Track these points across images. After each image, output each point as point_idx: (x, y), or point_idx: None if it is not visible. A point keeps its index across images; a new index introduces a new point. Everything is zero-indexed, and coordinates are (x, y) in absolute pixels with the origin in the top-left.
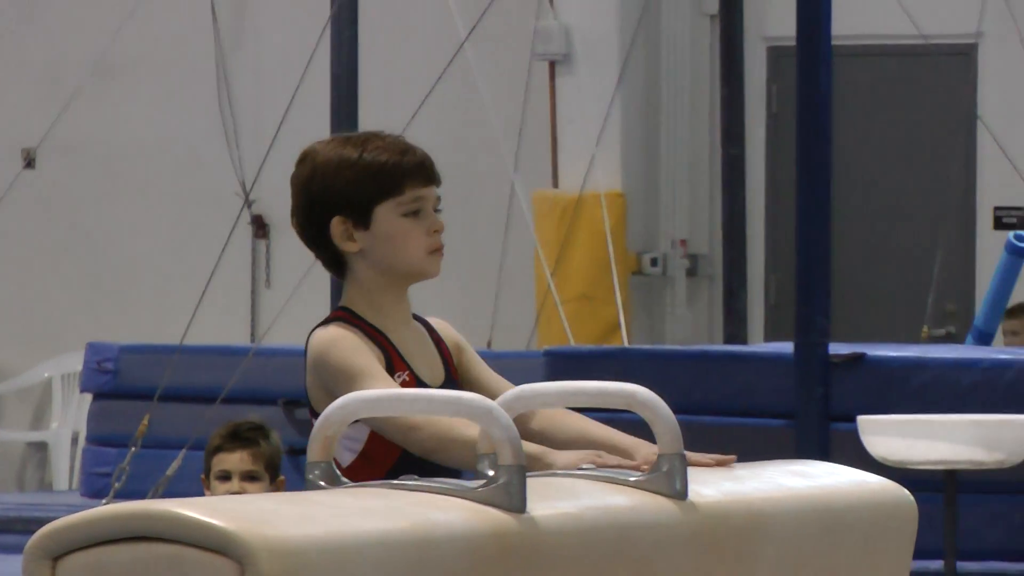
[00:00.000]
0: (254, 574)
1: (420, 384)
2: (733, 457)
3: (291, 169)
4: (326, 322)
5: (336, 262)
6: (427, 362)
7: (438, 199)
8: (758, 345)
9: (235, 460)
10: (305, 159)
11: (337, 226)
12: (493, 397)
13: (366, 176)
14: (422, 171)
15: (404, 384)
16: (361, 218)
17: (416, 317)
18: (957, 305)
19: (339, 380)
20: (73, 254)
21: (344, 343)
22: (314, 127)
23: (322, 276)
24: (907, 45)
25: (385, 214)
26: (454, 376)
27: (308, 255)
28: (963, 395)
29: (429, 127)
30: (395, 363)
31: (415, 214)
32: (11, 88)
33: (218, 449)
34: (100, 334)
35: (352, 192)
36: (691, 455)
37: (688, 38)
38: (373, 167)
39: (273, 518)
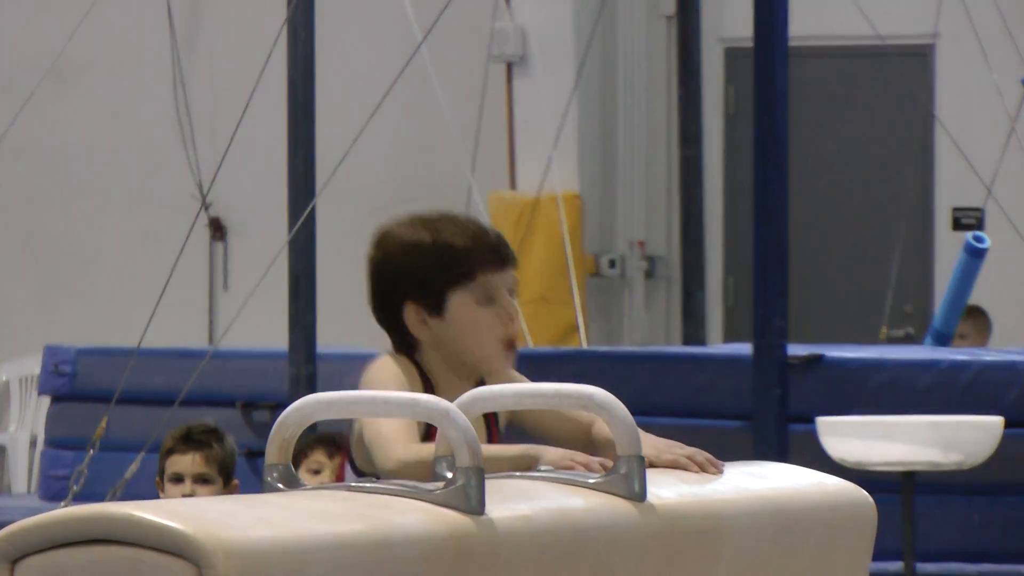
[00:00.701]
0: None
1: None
2: (719, 464)
3: (248, 170)
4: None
5: (408, 345)
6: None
7: (515, 281)
8: (716, 346)
9: (187, 462)
10: (380, 241)
11: (411, 312)
12: (565, 426)
13: (438, 262)
14: (495, 255)
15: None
16: (435, 304)
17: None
18: (915, 306)
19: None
20: (29, 257)
21: (386, 374)
22: (271, 129)
23: (280, 279)
24: (863, 46)
25: (458, 301)
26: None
27: (266, 258)
28: (921, 396)
29: (386, 129)
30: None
31: (489, 301)
32: None
33: (171, 451)
34: (57, 337)
35: (424, 278)
36: (677, 459)
37: (644, 39)
38: (446, 253)
39: (230, 520)
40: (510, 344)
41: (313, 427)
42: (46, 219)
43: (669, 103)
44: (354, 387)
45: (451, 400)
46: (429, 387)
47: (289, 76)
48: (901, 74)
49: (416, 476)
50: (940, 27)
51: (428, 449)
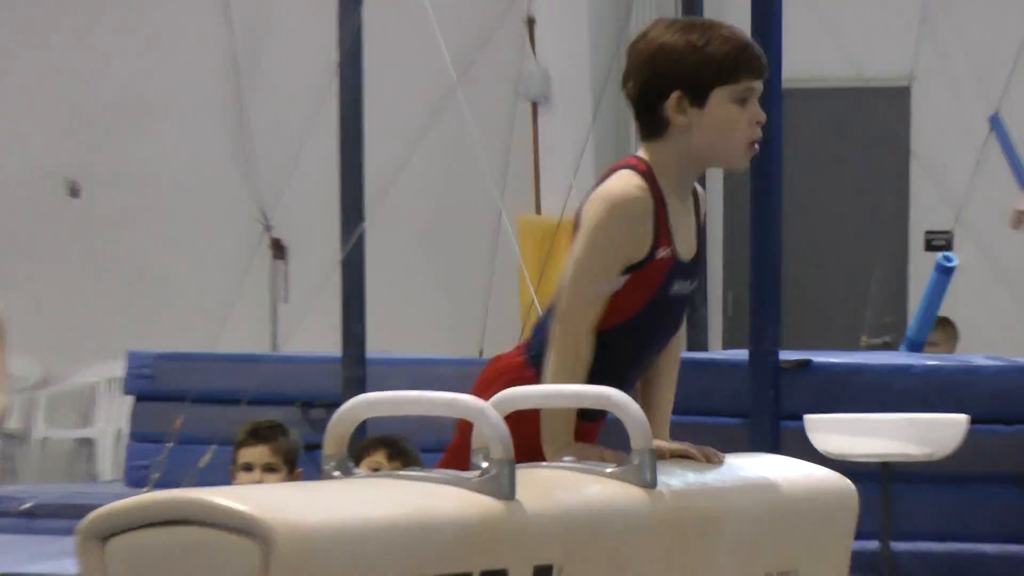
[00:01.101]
0: (275, 554)
1: (676, 259)
2: (721, 456)
3: (305, 197)
4: (628, 166)
5: (656, 128)
6: (686, 236)
7: (761, 92)
8: (716, 352)
9: (256, 453)
10: (648, 37)
11: (675, 100)
12: None
13: (710, 62)
14: (757, 65)
15: (663, 259)
16: (697, 97)
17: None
18: (892, 317)
19: (582, 241)
20: (113, 273)
21: (617, 215)
22: (325, 160)
23: (333, 292)
24: (848, 88)
25: (719, 98)
26: (701, 251)
27: (322, 274)
28: (897, 397)
29: (427, 160)
30: (661, 237)
31: (743, 102)
32: (55, 123)
33: (242, 444)
34: (138, 343)
35: (695, 74)
36: (687, 449)
37: None
38: (717, 55)
39: (293, 504)
40: (752, 145)
41: (363, 427)
42: (128, 239)
43: None
44: (400, 387)
45: (681, 192)
46: (660, 201)
47: (340, 114)
48: (881, 112)
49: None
50: (916, 70)
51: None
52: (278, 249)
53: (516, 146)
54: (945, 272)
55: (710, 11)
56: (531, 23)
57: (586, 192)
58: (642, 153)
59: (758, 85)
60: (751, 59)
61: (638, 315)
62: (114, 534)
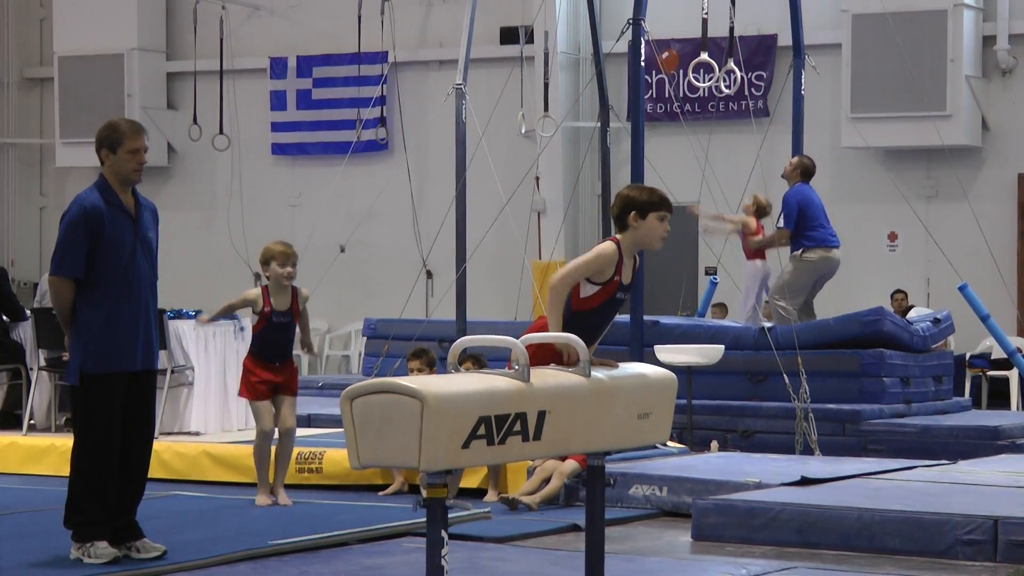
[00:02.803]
0: (426, 405)
1: (622, 283)
2: (616, 363)
3: (450, 244)
4: (611, 240)
5: (623, 227)
6: (629, 274)
7: (670, 216)
8: (618, 317)
9: (416, 364)
10: (622, 193)
11: (632, 216)
12: None
13: (651, 200)
14: (668, 206)
15: (616, 281)
16: (643, 214)
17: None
18: (690, 303)
19: (582, 257)
20: (354, 278)
21: (602, 257)
22: (452, 218)
23: (451, 293)
24: None
25: (651, 218)
26: (633, 282)
27: (451, 289)
28: (695, 338)
29: (493, 233)
30: (617, 272)
31: (661, 220)
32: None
33: (409, 358)
34: (367, 313)
35: (641, 206)
36: (603, 360)
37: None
38: (652, 199)
39: (432, 383)
40: (662, 240)
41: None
42: (354, 240)
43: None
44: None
45: (631, 255)
46: (621, 261)
47: (457, 208)
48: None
49: (559, 294)
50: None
51: (555, 311)
52: (429, 275)
53: (531, 227)
54: (712, 284)
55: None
56: (537, 180)
57: (594, 244)
58: (617, 235)
59: (667, 215)
60: (664, 203)
61: (600, 305)
62: (357, 396)
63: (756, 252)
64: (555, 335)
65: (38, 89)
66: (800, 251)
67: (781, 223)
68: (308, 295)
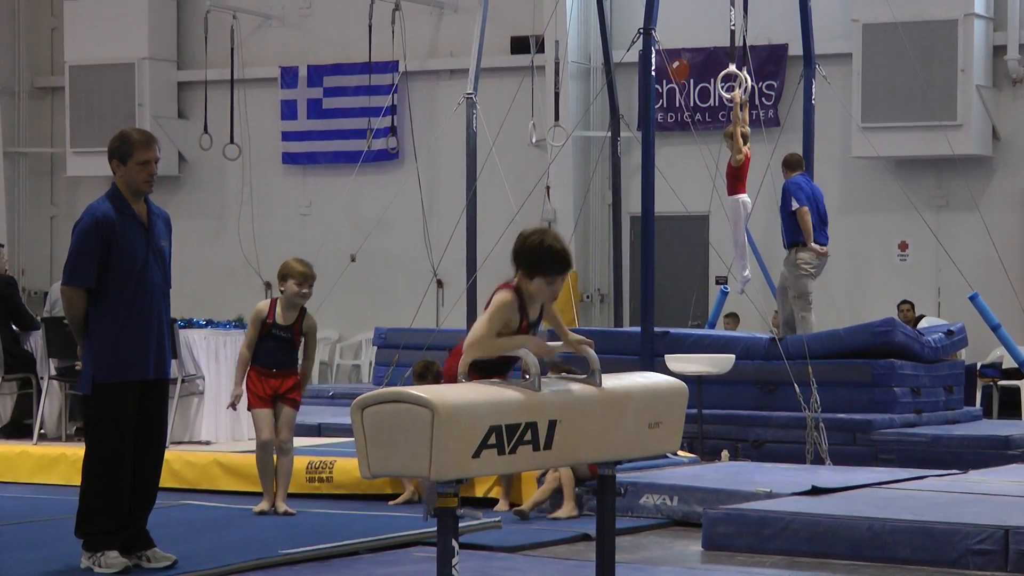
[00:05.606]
0: (437, 415)
1: (529, 321)
2: (591, 341)
3: (461, 253)
4: (508, 285)
5: (521, 280)
6: (535, 312)
7: (564, 279)
8: (629, 328)
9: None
10: (521, 237)
11: (522, 274)
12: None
13: (540, 260)
14: (564, 266)
15: (523, 327)
16: (530, 274)
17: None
18: (701, 313)
19: (484, 317)
20: (366, 291)
21: (504, 308)
22: (462, 227)
23: (462, 303)
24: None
25: (539, 279)
26: (540, 321)
27: (462, 298)
28: (705, 348)
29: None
30: (523, 316)
31: (552, 282)
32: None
33: (415, 380)
34: (377, 322)
35: (532, 262)
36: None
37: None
38: (545, 256)
39: (442, 393)
40: (555, 298)
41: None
42: (364, 250)
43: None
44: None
45: (535, 301)
46: (523, 304)
47: (467, 218)
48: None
49: (479, 349)
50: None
51: (493, 340)
52: (440, 284)
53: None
54: (723, 293)
55: None
56: (547, 189)
57: (490, 293)
58: (515, 281)
59: (564, 276)
60: (556, 265)
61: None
62: (368, 406)
63: (737, 185)
64: (510, 343)
65: (49, 98)
66: (794, 248)
67: (795, 206)
68: (315, 324)
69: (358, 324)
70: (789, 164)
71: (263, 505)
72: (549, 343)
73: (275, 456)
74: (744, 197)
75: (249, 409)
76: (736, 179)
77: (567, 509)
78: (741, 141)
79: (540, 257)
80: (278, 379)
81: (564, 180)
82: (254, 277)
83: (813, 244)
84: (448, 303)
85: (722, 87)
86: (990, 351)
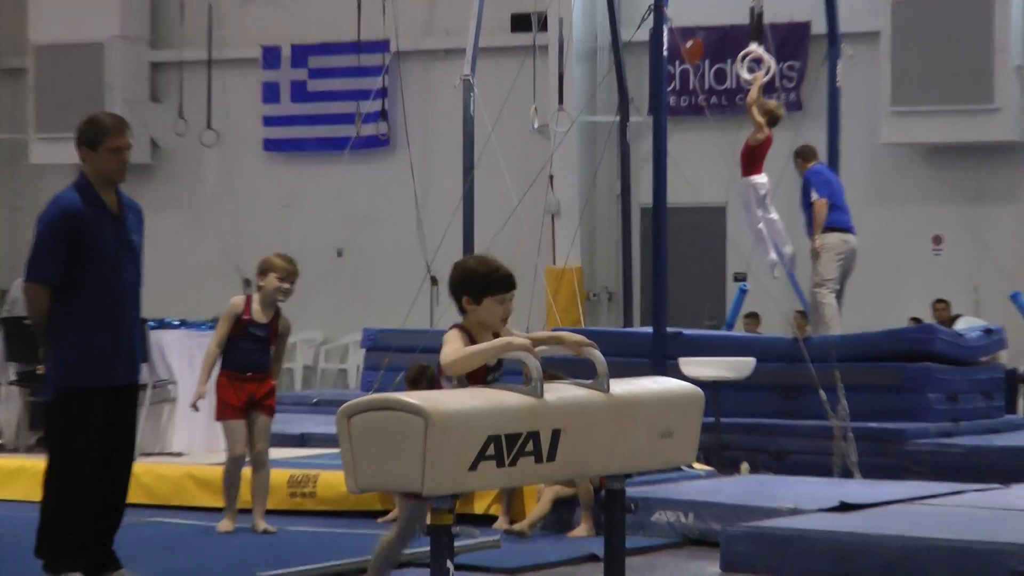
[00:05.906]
0: (430, 423)
1: (487, 364)
2: (594, 344)
3: (456, 247)
4: (456, 326)
5: (461, 309)
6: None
7: (513, 295)
8: (640, 328)
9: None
10: (458, 267)
11: (467, 300)
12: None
13: (486, 281)
14: (507, 284)
15: (480, 370)
16: (477, 299)
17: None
18: (717, 313)
19: (447, 347)
20: (359, 292)
21: (456, 339)
22: (454, 229)
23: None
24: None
25: (488, 300)
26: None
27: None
28: (719, 351)
29: (503, 235)
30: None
31: (501, 302)
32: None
33: (408, 385)
34: (365, 323)
35: (474, 287)
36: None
37: (611, 207)
38: (490, 276)
39: (437, 399)
40: (505, 320)
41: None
42: (352, 245)
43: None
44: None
45: (483, 336)
46: (471, 340)
47: (464, 211)
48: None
49: (460, 366)
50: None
51: (467, 348)
52: (434, 282)
53: (545, 229)
54: (742, 291)
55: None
56: (551, 179)
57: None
58: (461, 321)
59: (511, 295)
60: (506, 280)
61: (480, 381)
62: (355, 413)
63: (753, 165)
64: (492, 346)
65: (11, 81)
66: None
67: (815, 196)
68: (290, 326)
69: (345, 325)
70: (804, 155)
71: (227, 524)
72: (531, 333)
73: (250, 470)
74: (758, 178)
75: (220, 420)
76: (752, 159)
77: (584, 528)
78: (762, 118)
79: (485, 278)
80: (254, 384)
81: (569, 169)
82: (232, 274)
83: (831, 235)
84: (443, 302)
85: (742, 68)
86: None
